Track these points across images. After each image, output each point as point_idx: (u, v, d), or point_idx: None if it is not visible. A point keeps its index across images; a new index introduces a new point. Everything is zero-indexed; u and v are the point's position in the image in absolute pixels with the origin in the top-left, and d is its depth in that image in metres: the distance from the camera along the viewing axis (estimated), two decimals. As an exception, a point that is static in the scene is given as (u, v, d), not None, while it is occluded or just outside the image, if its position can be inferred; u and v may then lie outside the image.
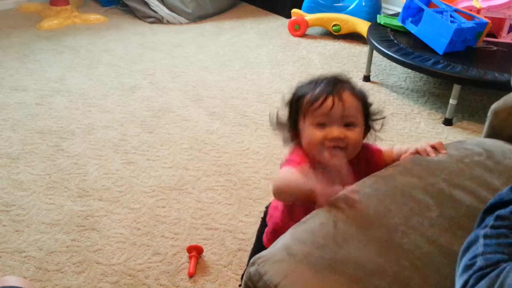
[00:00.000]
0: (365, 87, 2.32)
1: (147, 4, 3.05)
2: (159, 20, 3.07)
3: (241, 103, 2.19)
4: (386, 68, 2.53)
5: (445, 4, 2.31)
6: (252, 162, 1.80)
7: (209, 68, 2.53)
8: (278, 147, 1.87)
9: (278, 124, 0.99)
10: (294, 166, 0.89)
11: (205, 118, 2.07)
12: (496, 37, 2.36)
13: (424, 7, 2.26)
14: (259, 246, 1.11)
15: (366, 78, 2.42)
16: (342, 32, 2.85)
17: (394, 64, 2.39)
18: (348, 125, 0.90)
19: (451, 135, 2.04)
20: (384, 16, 2.52)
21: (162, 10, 3.05)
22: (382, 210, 0.78)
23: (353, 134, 0.90)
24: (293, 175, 0.87)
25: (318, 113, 0.90)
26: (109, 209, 1.55)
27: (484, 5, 2.33)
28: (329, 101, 0.89)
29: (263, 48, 2.79)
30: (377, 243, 0.72)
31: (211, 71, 2.50)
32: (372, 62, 2.44)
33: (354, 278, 0.67)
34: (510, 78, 1.95)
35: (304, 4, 2.99)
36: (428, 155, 0.93)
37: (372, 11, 2.83)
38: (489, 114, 1.04)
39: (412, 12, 2.36)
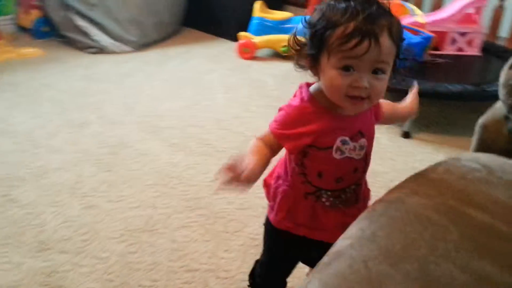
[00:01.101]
0: (323, 106, 2.33)
1: (87, 34, 2.91)
2: (102, 50, 2.93)
3: (200, 131, 2.11)
4: (339, 85, 2.54)
5: (392, 21, 2.37)
6: (222, 193, 1.71)
7: (161, 97, 2.42)
8: (248, 175, 1.80)
9: (295, 44, 0.89)
10: (273, 132, 0.88)
11: (166, 150, 1.96)
12: (439, 50, 2.45)
13: (373, 24, 2.30)
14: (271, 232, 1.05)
15: (322, 97, 2.41)
16: (291, 53, 2.85)
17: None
18: (376, 71, 0.81)
19: (412, 148, 2.07)
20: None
21: (104, 40, 2.91)
22: (406, 241, 0.73)
23: (380, 84, 0.82)
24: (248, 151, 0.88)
25: (348, 55, 0.79)
26: (75, 261, 1.40)
27: (428, 20, 2.41)
28: (365, 45, 0.77)
29: (214, 73, 2.73)
30: (414, 280, 0.67)
31: (164, 100, 2.40)
32: (326, 80, 2.44)
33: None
34: (463, 89, 2.01)
35: (251, 27, 2.97)
36: None
37: (318, 30, 2.85)
38: (478, 128, 1.03)
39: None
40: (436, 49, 2.44)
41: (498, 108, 1.01)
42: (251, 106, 2.32)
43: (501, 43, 2.58)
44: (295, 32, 0.90)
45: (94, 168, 1.83)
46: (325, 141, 0.89)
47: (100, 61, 2.83)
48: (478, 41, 2.39)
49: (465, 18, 2.40)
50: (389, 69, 0.83)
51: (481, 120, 1.02)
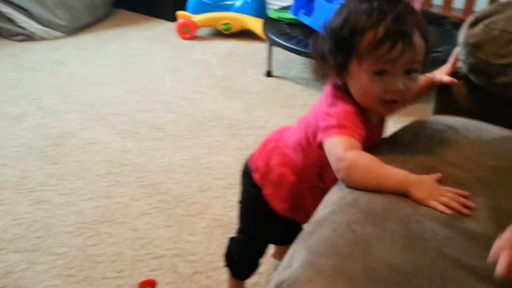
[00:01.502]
0: (270, 83, 2.32)
1: (12, 21, 2.70)
2: (30, 37, 2.74)
3: (150, 116, 2.03)
4: (284, 61, 2.54)
5: (333, -6, 2.39)
6: (180, 176, 1.67)
7: (103, 83, 2.31)
8: (203, 156, 1.77)
9: (317, 54, 0.82)
10: (354, 136, 0.76)
11: (115, 138, 1.88)
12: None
13: (314, -3, 2.31)
14: (253, 207, 1.01)
15: (268, 74, 2.41)
16: (233, 30, 2.82)
17: (292, 56, 2.41)
18: (410, 72, 0.78)
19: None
20: (275, 10, 2.53)
21: (32, 26, 2.72)
22: (388, 204, 0.74)
23: (413, 84, 0.79)
24: (379, 166, 0.74)
25: (382, 60, 0.75)
26: (31, 259, 1.32)
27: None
28: (399, 48, 0.74)
29: (155, 55, 2.64)
30: (399, 239, 0.68)
31: (106, 86, 2.29)
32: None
33: (395, 284, 0.62)
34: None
35: (189, 5, 2.89)
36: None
37: (259, 7, 2.83)
38: (437, 90, 1.06)
39: (303, 4, 2.40)
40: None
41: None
42: (199, 87, 2.27)
43: (435, 10, 2.68)
44: (317, 44, 0.84)
45: (39, 162, 1.72)
46: None
47: (31, 49, 2.65)
48: (416, 8, 2.46)
49: (400, -12, 2.46)
50: (420, 68, 0.80)
51: (441, 83, 1.05)
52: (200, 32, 2.88)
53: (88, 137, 1.88)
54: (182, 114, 2.04)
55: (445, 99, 1.04)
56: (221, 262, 1.22)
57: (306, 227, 0.77)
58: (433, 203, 0.71)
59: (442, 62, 1.97)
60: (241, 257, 1.12)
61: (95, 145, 1.83)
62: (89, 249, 1.36)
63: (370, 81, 0.77)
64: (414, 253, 0.66)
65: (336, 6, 2.23)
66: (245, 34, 2.83)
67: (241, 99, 2.16)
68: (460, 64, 1.00)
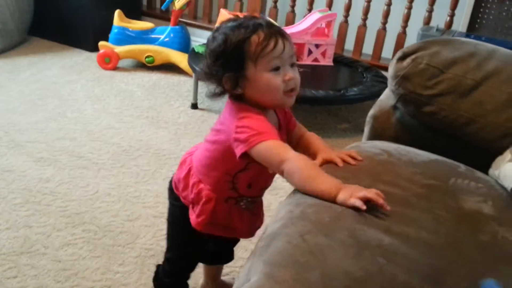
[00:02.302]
0: (195, 114, 2.34)
1: None
2: None
3: (71, 144, 1.95)
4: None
5: (256, 32, 2.50)
6: (107, 205, 1.61)
7: (18, 110, 2.18)
8: (131, 184, 1.73)
9: (208, 76, 0.90)
10: (277, 139, 0.84)
11: (33, 166, 1.77)
12: (297, 60, 2.65)
13: (240, 34, 2.40)
14: (180, 232, 1.05)
15: (194, 106, 2.42)
16: (156, 63, 2.82)
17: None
18: (292, 65, 0.89)
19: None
20: (201, 45, 2.58)
21: None
22: (333, 214, 0.79)
23: (298, 74, 0.90)
24: (316, 171, 0.83)
25: (273, 56, 0.85)
26: None
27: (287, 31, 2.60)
28: (280, 43, 0.86)
29: (75, 83, 2.55)
30: (349, 247, 0.72)
31: (22, 112, 2.16)
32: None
33: (352, 289, 0.65)
34: (326, 94, 2.21)
35: (112, 36, 2.85)
36: (344, 163, 0.93)
37: (182, 42, 2.87)
38: (368, 119, 1.15)
39: (228, 40, 2.48)
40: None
41: (384, 100, 1.15)
42: (124, 117, 2.22)
43: (347, 54, 2.90)
44: (206, 69, 0.91)
45: None
46: None
47: None
48: (330, 52, 2.65)
49: (318, 31, 2.64)
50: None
51: (372, 112, 1.15)
52: (122, 63, 2.84)
53: (3, 164, 1.75)
54: (106, 143, 1.98)
55: (375, 127, 1.13)
56: (154, 291, 1.19)
57: (259, 242, 0.79)
58: (352, 200, 0.78)
59: (356, 100, 2.15)
60: (170, 278, 1.12)
61: (11, 173, 1.71)
62: (8, 282, 1.25)
63: (271, 78, 0.86)
64: (365, 260, 0.71)
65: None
66: (168, 67, 2.84)
67: (168, 130, 2.15)
68: (384, 97, 1.10)
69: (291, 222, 0.78)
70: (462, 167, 1.00)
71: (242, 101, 0.91)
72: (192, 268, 1.14)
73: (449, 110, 1.02)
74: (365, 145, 1.04)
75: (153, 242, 1.46)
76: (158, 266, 1.18)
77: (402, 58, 1.05)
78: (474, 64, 1.01)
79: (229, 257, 1.25)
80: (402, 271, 0.70)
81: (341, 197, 0.79)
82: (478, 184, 0.94)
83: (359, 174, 0.91)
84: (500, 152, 1.00)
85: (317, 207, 0.80)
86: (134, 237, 1.48)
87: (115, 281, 1.31)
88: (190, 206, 1.00)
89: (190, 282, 1.17)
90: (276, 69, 0.86)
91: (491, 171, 1.01)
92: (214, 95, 0.93)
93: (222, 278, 1.31)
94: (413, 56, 1.03)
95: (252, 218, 1.04)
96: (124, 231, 1.50)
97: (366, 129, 1.15)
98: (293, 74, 0.88)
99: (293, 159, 0.83)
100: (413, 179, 0.90)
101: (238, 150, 0.86)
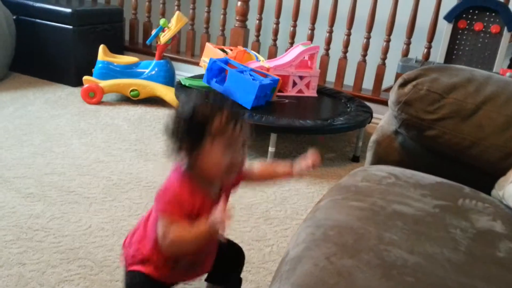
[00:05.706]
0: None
1: None
2: None
3: (60, 179, 1.91)
4: (196, 127, 2.58)
5: (242, 65, 2.54)
6: (101, 240, 1.57)
7: (3, 145, 2.13)
8: (125, 218, 1.70)
9: (172, 135, 0.97)
10: (177, 217, 0.95)
11: (22, 202, 1.72)
12: (283, 92, 2.70)
13: (227, 68, 2.44)
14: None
15: (182, 138, 2.42)
16: (141, 97, 2.82)
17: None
18: (244, 144, 0.98)
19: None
20: (186, 78, 2.61)
21: None
22: (356, 235, 0.80)
23: (246, 152, 0.99)
24: (188, 231, 0.93)
25: (231, 136, 0.94)
26: None
27: (271, 65, 2.65)
28: (239, 125, 0.95)
29: (59, 118, 2.52)
30: (376, 267, 0.73)
31: (8, 148, 2.12)
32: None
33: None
34: (314, 123, 2.25)
35: (96, 71, 2.85)
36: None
37: (167, 76, 2.89)
38: (371, 144, 1.18)
39: (215, 73, 2.52)
40: (280, 91, 2.68)
41: (385, 126, 1.18)
42: (112, 150, 2.20)
43: (329, 86, 2.97)
44: (172, 126, 0.98)
45: None
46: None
47: None
48: (314, 83, 2.71)
49: (302, 63, 2.70)
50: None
51: (374, 137, 1.17)
52: (106, 97, 2.83)
53: (-10, 202, 1.70)
54: (96, 177, 1.95)
55: (378, 152, 1.15)
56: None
57: (282, 266, 0.79)
58: (217, 226, 0.88)
59: (343, 129, 2.19)
60: None
61: (0, 209, 1.66)
62: (3, 323, 1.19)
63: (222, 156, 0.94)
64: (394, 280, 0.71)
65: (246, 76, 2.39)
66: (152, 100, 2.84)
67: (158, 162, 2.14)
68: (384, 123, 1.13)
69: (314, 245, 0.79)
70: (467, 188, 1.03)
71: (191, 169, 0.98)
72: None
73: (452, 134, 1.05)
74: (371, 169, 1.06)
75: (151, 276, 1.43)
76: None
77: (404, 85, 1.09)
78: (473, 89, 1.06)
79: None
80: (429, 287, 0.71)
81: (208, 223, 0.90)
82: (484, 204, 0.96)
83: (371, 196, 0.92)
84: (502, 173, 1.03)
85: (338, 228, 0.81)
86: (132, 271, 1.44)
87: (115, 317, 1.27)
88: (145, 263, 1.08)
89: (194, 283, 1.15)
90: (230, 147, 0.94)
91: (494, 192, 1.04)
92: (172, 152, 0.99)
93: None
94: (414, 83, 1.08)
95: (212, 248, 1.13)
96: (121, 265, 1.46)
97: (369, 154, 1.18)
98: (242, 157, 0.97)
99: (172, 236, 0.94)
100: (423, 200, 0.92)
101: (157, 208, 1.02)
